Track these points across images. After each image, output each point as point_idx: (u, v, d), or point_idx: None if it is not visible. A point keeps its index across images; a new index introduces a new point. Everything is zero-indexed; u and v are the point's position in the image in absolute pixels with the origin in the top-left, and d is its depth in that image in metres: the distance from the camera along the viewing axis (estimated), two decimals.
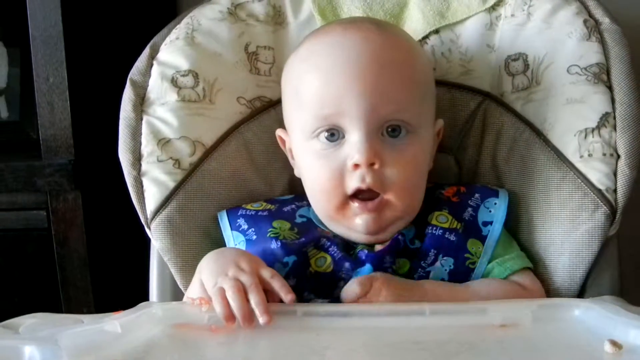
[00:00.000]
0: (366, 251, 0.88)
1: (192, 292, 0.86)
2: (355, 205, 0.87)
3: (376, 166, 0.85)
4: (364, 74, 0.85)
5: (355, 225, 0.88)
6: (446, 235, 0.90)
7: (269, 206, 0.97)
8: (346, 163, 0.86)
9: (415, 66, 0.91)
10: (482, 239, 0.91)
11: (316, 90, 0.88)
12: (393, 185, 0.86)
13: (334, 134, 0.87)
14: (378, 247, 0.89)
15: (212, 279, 0.82)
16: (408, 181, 0.88)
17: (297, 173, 0.97)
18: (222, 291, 0.78)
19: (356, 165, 0.85)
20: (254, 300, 0.77)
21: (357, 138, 0.85)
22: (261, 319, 0.76)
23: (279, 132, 0.98)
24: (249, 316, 0.76)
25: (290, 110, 0.93)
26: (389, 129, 0.87)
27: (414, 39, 1.00)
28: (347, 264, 0.88)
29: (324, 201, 0.89)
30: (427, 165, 0.92)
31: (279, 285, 0.80)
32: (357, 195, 0.87)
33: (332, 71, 0.87)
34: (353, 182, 0.86)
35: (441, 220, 0.91)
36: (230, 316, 0.77)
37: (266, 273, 0.81)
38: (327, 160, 0.87)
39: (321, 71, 0.88)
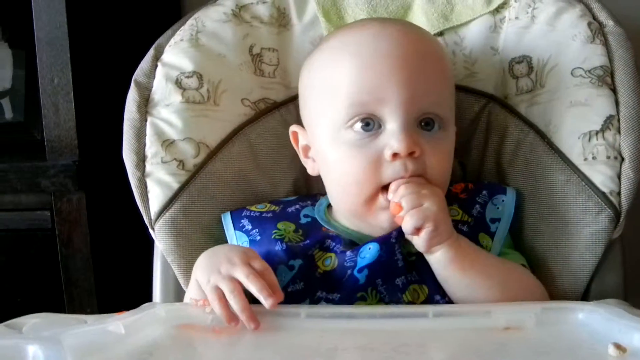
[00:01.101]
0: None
1: (190, 292, 0.86)
2: (384, 199, 0.85)
3: (416, 154, 0.84)
4: (407, 63, 0.85)
5: (380, 220, 0.87)
6: (459, 227, 0.89)
7: (273, 207, 0.97)
8: (383, 153, 0.84)
9: (448, 63, 0.93)
10: (491, 235, 0.91)
11: (355, 77, 0.86)
12: (435, 174, 0.85)
13: (369, 124, 0.85)
14: None
15: (205, 275, 0.81)
16: (446, 172, 0.88)
17: (311, 171, 0.96)
18: (219, 292, 0.78)
19: (395, 155, 0.84)
20: (236, 307, 0.77)
21: (396, 127, 0.84)
22: (248, 326, 0.76)
23: (294, 127, 0.97)
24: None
25: (317, 102, 0.91)
26: (423, 123, 0.86)
27: None
28: (348, 252, 0.87)
29: (354, 194, 0.87)
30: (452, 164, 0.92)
31: (266, 281, 0.79)
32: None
33: (373, 59, 0.86)
34: (391, 172, 0.84)
35: (453, 213, 0.90)
36: (232, 318, 0.77)
37: (258, 265, 0.80)
38: (362, 149, 0.85)
39: (361, 59, 0.86)
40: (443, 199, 0.85)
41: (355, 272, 0.85)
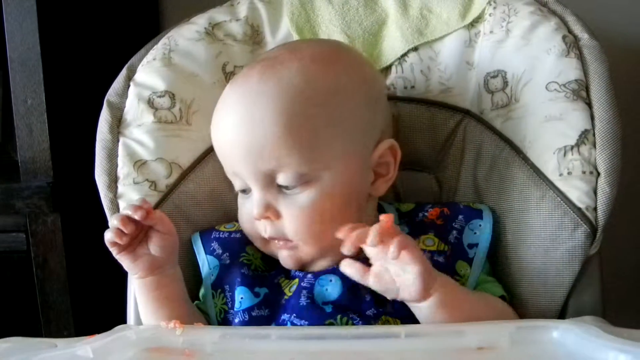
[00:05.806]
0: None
1: None
2: (274, 241, 0.89)
3: (271, 219, 0.86)
4: (239, 134, 0.86)
5: (280, 258, 0.90)
6: (435, 258, 0.88)
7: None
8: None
9: (300, 108, 0.84)
10: (469, 261, 0.90)
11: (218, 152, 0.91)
12: (294, 235, 0.86)
13: (245, 190, 0.90)
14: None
15: None
16: (307, 230, 0.86)
17: None
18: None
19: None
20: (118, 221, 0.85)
21: (254, 194, 0.87)
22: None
23: None
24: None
25: None
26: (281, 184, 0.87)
27: (322, 62, 0.89)
28: (309, 275, 0.88)
29: (251, 239, 0.92)
30: (350, 199, 0.88)
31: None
32: None
33: (219, 133, 0.89)
34: (259, 231, 0.89)
35: (428, 243, 0.90)
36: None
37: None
38: (242, 207, 0.91)
39: (215, 134, 0.90)
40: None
41: (320, 304, 0.85)
